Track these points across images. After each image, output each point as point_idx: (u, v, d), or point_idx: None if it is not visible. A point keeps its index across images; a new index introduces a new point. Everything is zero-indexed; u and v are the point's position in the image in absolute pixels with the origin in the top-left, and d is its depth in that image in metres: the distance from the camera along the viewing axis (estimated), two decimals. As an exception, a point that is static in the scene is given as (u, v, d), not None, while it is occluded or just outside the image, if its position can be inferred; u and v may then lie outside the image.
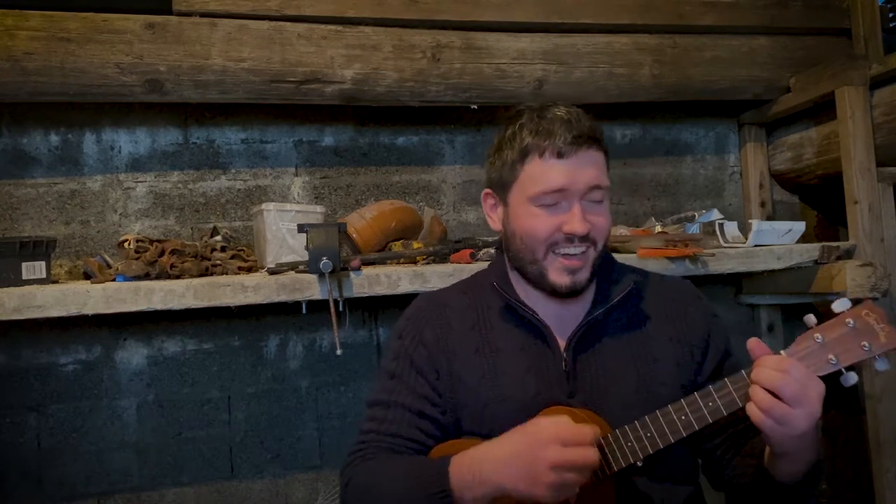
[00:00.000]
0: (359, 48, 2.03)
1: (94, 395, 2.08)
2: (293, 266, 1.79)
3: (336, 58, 2.00)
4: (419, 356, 1.21)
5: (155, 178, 2.17)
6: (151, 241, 1.82)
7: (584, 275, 1.14)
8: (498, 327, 1.21)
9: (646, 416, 1.04)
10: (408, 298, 1.49)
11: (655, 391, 1.14)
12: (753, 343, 0.99)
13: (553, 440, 0.96)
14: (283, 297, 1.72)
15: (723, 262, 1.98)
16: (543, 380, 1.15)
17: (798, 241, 2.17)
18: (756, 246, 2.07)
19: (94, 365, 2.09)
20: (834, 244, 2.08)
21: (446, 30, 2.10)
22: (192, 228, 2.19)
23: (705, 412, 1.01)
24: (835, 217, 2.55)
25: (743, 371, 1.00)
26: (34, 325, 2.01)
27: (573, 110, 1.15)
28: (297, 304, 1.76)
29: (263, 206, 1.94)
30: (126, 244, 1.82)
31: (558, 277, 1.13)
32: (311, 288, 1.73)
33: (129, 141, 2.15)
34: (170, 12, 1.91)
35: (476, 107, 2.22)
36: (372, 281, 1.77)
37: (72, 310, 1.60)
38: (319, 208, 2.04)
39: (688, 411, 1.02)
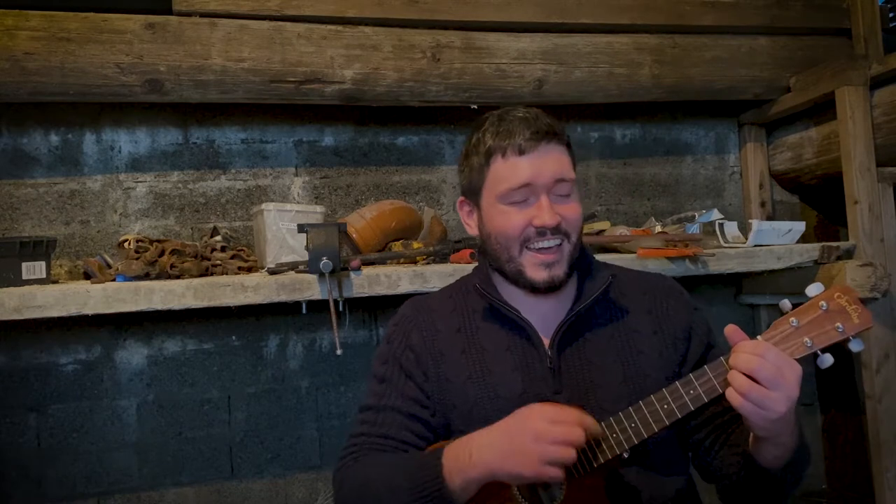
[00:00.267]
0: (359, 48, 2.03)
1: (94, 395, 2.08)
2: (293, 266, 1.79)
3: (336, 58, 2.01)
4: (407, 360, 1.24)
5: (155, 178, 2.17)
6: (151, 241, 1.82)
7: (560, 269, 1.16)
8: (483, 328, 1.23)
9: (630, 408, 1.05)
10: (407, 298, 1.50)
11: (641, 383, 1.15)
12: (731, 329, 1.01)
13: (538, 417, 0.99)
14: (283, 297, 1.72)
15: (723, 262, 1.98)
16: (529, 377, 1.16)
17: (798, 241, 2.17)
18: (756, 246, 2.07)
19: (94, 365, 2.09)
20: (834, 244, 2.08)
21: (446, 30, 2.10)
22: (192, 228, 2.19)
23: (687, 400, 1.03)
24: (835, 217, 2.55)
25: (721, 358, 1.02)
26: (34, 325, 2.01)
27: (532, 110, 1.20)
28: (297, 304, 1.76)
29: (263, 206, 1.94)
30: (126, 244, 1.82)
31: (535, 273, 1.16)
32: (311, 288, 1.73)
33: (129, 141, 2.15)
34: (170, 12, 1.91)
35: (476, 107, 2.22)
36: (372, 281, 1.77)
37: (72, 310, 1.60)
38: (319, 208, 2.04)
39: (670, 400, 1.03)
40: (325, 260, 1.66)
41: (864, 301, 2.01)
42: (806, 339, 0.99)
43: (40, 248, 1.75)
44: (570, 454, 0.97)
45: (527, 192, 1.15)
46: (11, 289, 1.64)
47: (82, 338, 2.08)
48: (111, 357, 2.10)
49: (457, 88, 2.12)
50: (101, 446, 2.07)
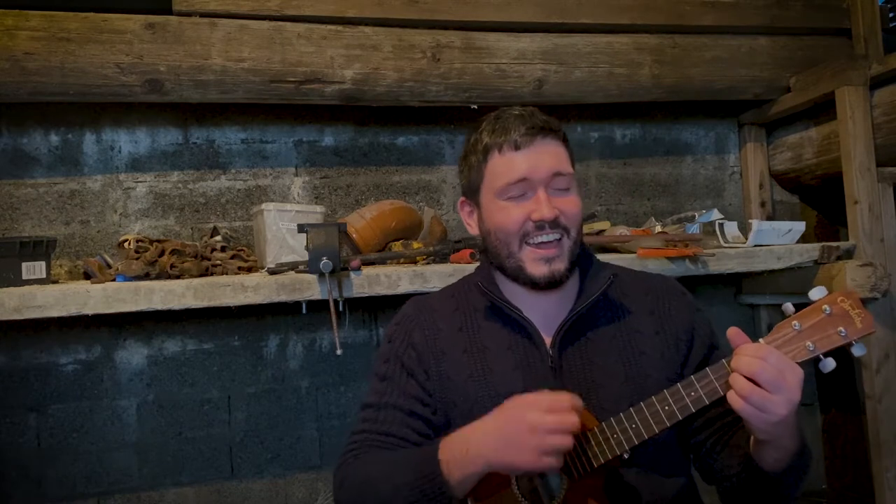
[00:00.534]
0: (359, 48, 2.03)
1: (94, 395, 2.08)
2: (293, 266, 1.79)
3: (336, 58, 2.01)
4: (409, 358, 1.24)
5: (155, 178, 2.17)
6: (151, 241, 1.82)
7: (560, 264, 1.16)
8: (485, 327, 1.23)
9: (630, 409, 1.05)
10: (407, 298, 1.50)
11: (643, 384, 1.15)
12: (733, 332, 1.01)
13: (533, 407, 0.99)
14: (283, 297, 1.72)
15: (723, 262, 1.98)
16: (531, 377, 1.16)
17: (798, 241, 2.17)
18: (756, 246, 2.07)
19: (94, 365, 2.09)
20: (834, 244, 2.08)
21: (446, 30, 2.10)
22: (192, 228, 2.19)
23: (688, 401, 1.03)
24: (835, 217, 2.55)
25: (723, 360, 1.02)
26: (34, 325, 2.01)
27: (528, 108, 1.21)
28: (297, 304, 1.76)
29: (263, 206, 1.94)
30: (126, 244, 1.82)
31: (535, 268, 1.16)
32: (311, 288, 1.73)
33: (129, 141, 2.15)
34: (170, 12, 1.91)
35: (476, 107, 2.22)
36: (372, 281, 1.77)
37: (72, 310, 1.60)
38: (319, 208, 2.04)
39: (671, 401, 1.03)
40: (325, 260, 1.66)
41: (864, 301, 2.02)
42: (808, 342, 0.99)
43: (40, 248, 1.75)
44: (567, 441, 0.98)
45: (524, 187, 1.15)
46: (11, 289, 1.64)
47: (82, 338, 2.08)
48: (111, 357, 2.10)
49: (457, 88, 2.12)
50: (101, 446, 2.07)
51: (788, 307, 1.02)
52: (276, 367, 2.21)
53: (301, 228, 1.72)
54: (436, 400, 1.21)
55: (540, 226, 1.14)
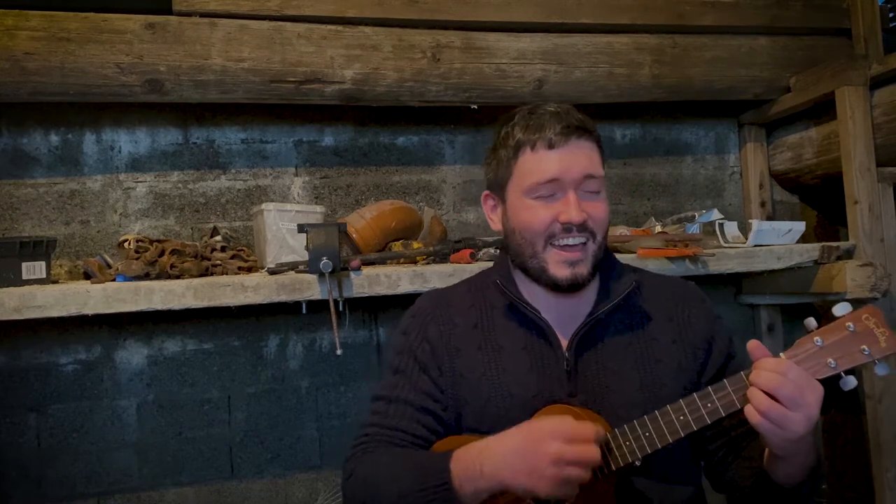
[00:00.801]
0: (359, 48, 2.03)
1: (94, 395, 2.08)
2: (293, 266, 1.79)
3: (336, 58, 2.01)
4: (423, 353, 1.22)
5: (155, 178, 2.17)
6: (151, 241, 1.82)
7: (584, 268, 1.14)
8: (501, 326, 1.21)
9: (645, 416, 1.04)
10: (408, 298, 1.49)
11: (657, 392, 1.14)
12: (753, 345, 1.00)
13: (555, 436, 0.97)
14: (283, 297, 1.72)
15: (723, 262, 1.98)
16: (545, 379, 1.15)
17: (798, 241, 2.17)
18: (756, 246, 2.07)
19: (94, 365, 2.09)
20: (834, 244, 2.08)
21: (446, 30, 2.10)
22: (192, 228, 2.19)
23: (703, 413, 1.01)
24: (835, 217, 2.55)
25: (742, 373, 1.00)
26: (34, 325, 2.01)
27: (564, 106, 1.18)
28: (297, 304, 1.76)
29: (263, 206, 1.94)
30: (126, 244, 1.82)
31: (558, 270, 1.14)
32: (311, 288, 1.73)
33: (129, 141, 2.15)
34: (170, 12, 1.91)
35: (476, 107, 2.22)
36: (372, 281, 1.77)
37: (72, 310, 1.60)
38: (319, 208, 2.04)
39: (686, 412, 1.02)
40: (325, 260, 1.66)
41: (863, 301, 2.02)
42: (830, 359, 0.97)
43: (40, 248, 1.75)
44: (586, 475, 0.97)
45: (554, 187, 1.13)
46: (11, 289, 1.64)
47: (82, 338, 2.08)
48: (111, 357, 2.10)
49: (457, 88, 2.12)
50: (101, 446, 2.07)
51: (811, 322, 1.00)
52: (276, 367, 2.21)
53: (301, 228, 1.72)
54: (447, 397, 1.19)
55: (567, 228, 1.12)
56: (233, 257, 1.91)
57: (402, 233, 2.09)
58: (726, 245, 2.12)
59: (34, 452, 2.03)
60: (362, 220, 2.02)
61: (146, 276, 1.74)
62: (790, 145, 2.51)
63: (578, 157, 1.13)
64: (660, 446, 1.03)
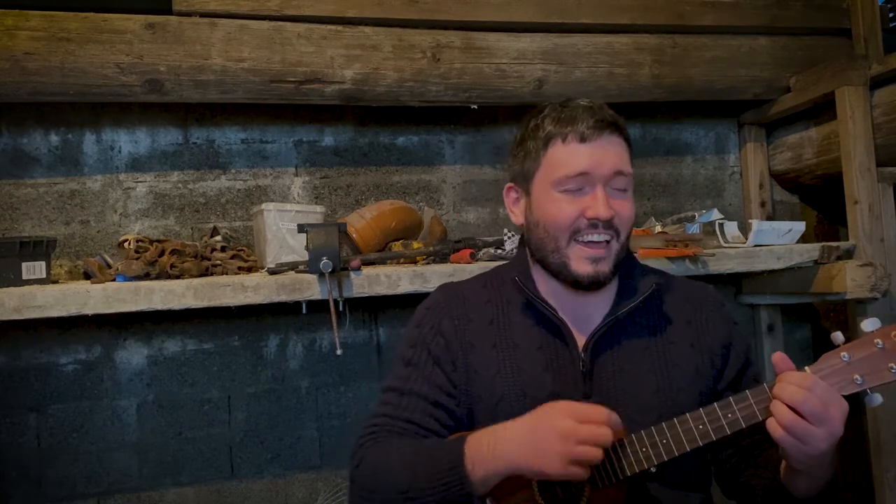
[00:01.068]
0: (359, 48, 2.03)
1: (94, 395, 2.08)
2: (293, 266, 1.79)
3: (336, 58, 2.00)
4: (437, 346, 1.20)
5: (155, 178, 2.17)
6: (151, 241, 1.82)
7: (606, 266, 1.13)
8: (517, 323, 1.20)
9: (663, 423, 1.03)
10: (408, 298, 1.50)
11: (673, 397, 1.13)
12: (779, 357, 0.98)
13: (566, 414, 0.97)
14: (283, 297, 1.72)
15: (723, 262, 1.98)
16: (560, 379, 1.14)
17: (798, 241, 2.17)
18: (756, 246, 2.07)
19: (94, 365, 2.09)
20: (834, 244, 2.08)
21: (446, 30, 2.10)
22: (192, 228, 2.19)
23: (724, 423, 1.00)
24: (835, 217, 2.55)
25: (765, 384, 0.99)
26: (34, 325, 2.01)
27: (596, 101, 1.17)
28: (297, 304, 1.76)
29: (263, 206, 1.94)
30: (126, 244, 1.82)
31: (580, 266, 1.12)
32: (311, 288, 1.73)
33: (129, 141, 2.15)
34: (170, 12, 1.91)
35: (476, 107, 2.22)
36: (372, 281, 1.77)
37: (72, 310, 1.60)
38: (319, 208, 2.04)
39: (706, 421, 1.01)
40: (325, 260, 1.66)
41: (863, 301, 2.02)
42: (857, 375, 0.96)
43: (40, 248, 1.75)
44: (597, 454, 0.95)
45: (582, 181, 1.11)
46: (11, 289, 1.64)
47: (82, 338, 2.08)
48: (111, 357, 2.10)
49: (457, 88, 2.12)
50: (101, 446, 2.07)
51: (838, 336, 0.99)
52: (276, 367, 2.21)
53: (301, 228, 1.72)
54: (460, 392, 1.18)
55: (594, 224, 1.11)
56: (233, 257, 1.91)
57: (402, 233, 2.09)
58: (726, 245, 2.12)
59: (34, 452, 2.03)
60: (362, 220, 2.02)
61: (146, 276, 1.74)
62: (790, 145, 2.51)
63: (609, 153, 1.12)
64: (677, 454, 1.01)
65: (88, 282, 1.76)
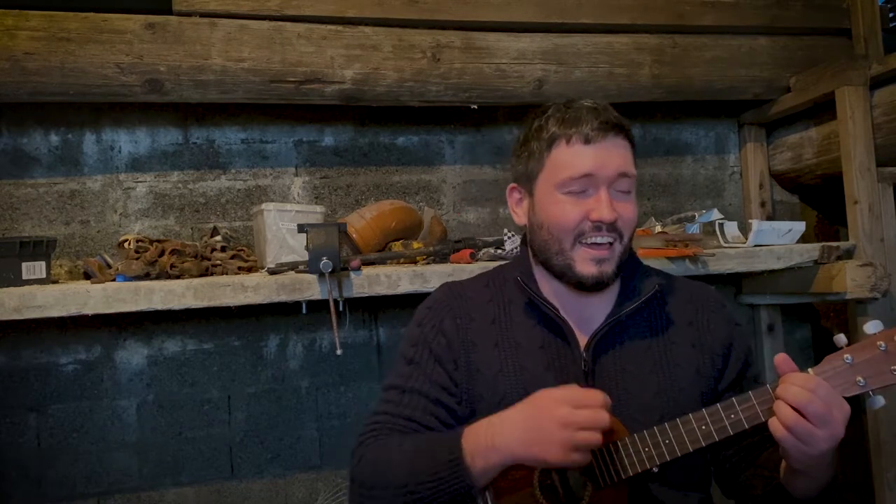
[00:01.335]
0: (359, 48, 2.03)
1: (94, 395, 2.08)
2: (293, 266, 1.79)
3: (336, 58, 2.00)
4: (438, 345, 1.20)
5: (155, 178, 2.17)
6: (151, 241, 1.82)
7: (610, 267, 1.13)
8: (519, 323, 1.20)
9: (665, 424, 1.03)
10: (408, 298, 1.50)
11: (675, 397, 1.13)
12: (781, 359, 0.99)
13: (563, 401, 0.97)
14: (283, 297, 1.72)
15: (723, 262, 1.98)
16: (562, 378, 1.13)
17: (798, 241, 2.17)
18: (756, 246, 2.07)
19: (94, 365, 2.09)
20: (834, 244, 2.08)
21: (446, 30, 2.10)
22: (192, 228, 2.19)
23: (727, 424, 1.00)
24: (835, 217, 2.55)
25: (768, 385, 1.00)
26: (34, 325, 2.01)
27: (600, 102, 1.17)
28: (297, 304, 1.76)
29: (263, 206, 1.94)
30: (126, 244, 1.82)
31: (585, 268, 1.12)
32: (311, 288, 1.73)
33: (129, 141, 2.15)
34: (170, 12, 1.91)
35: (476, 107, 2.22)
36: (372, 281, 1.77)
37: (72, 310, 1.60)
38: (319, 208, 2.04)
39: (709, 421, 1.01)
40: (325, 260, 1.66)
41: (863, 301, 2.03)
42: (859, 378, 0.96)
43: (40, 248, 1.75)
44: (597, 438, 0.96)
45: (586, 183, 1.11)
46: (11, 289, 1.63)
47: (82, 338, 2.08)
48: (111, 357, 2.10)
49: (457, 88, 2.12)
50: (101, 446, 2.07)
51: (841, 338, 0.99)
52: (276, 367, 2.21)
53: (301, 228, 1.72)
54: (462, 391, 1.18)
55: (597, 227, 1.11)
56: (233, 257, 1.91)
57: (402, 233, 2.09)
58: (726, 245, 2.12)
59: (34, 452, 2.03)
60: (362, 220, 2.02)
61: (146, 276, 1.74)
62: (790, 145, 2.51)
63: (613, 155, 1.12)
64: (679, 454, 1.02)
65: (88, 282, 1.76)
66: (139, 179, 2.16)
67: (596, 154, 1.11)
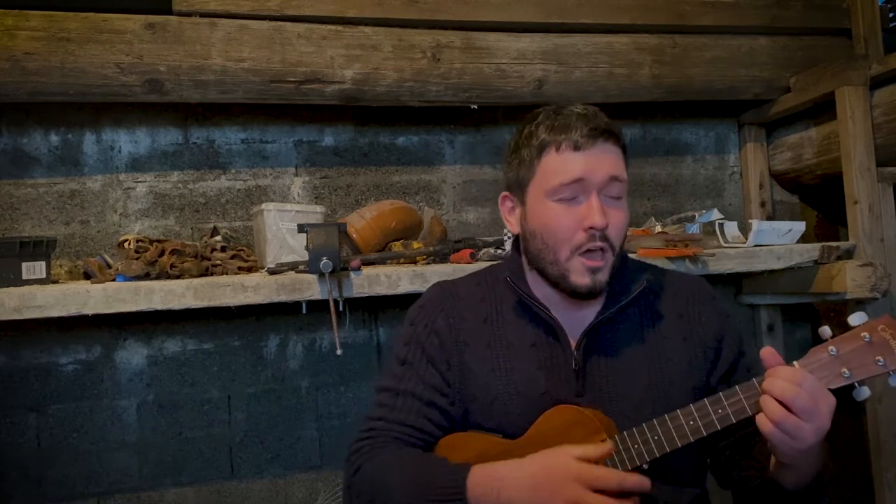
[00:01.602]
0: (359, 48, 2.03)
1: (94, 395, 2.08)
2: (293, 266, 1.79)
3: (336, 58, 2.00)
4: (431, 345, 1.21)
5: (155, 178, 2.17)
6: (151, 241, 1.82)
7: (604, 276, 1.13)
8: (510, 322, 1.20)
9: (654, 420, 1.03)
10: (408, 298, 1.49)
11: (666, 391, 1.13)
12: (767, 352, 0.99)
13: (578, 479, 0.97)
14: (283, 297, 1.72)
15: (723, 262, 1.98)
16: (553, 377, 1.14)
17: (798, 241, 2.17)
18: (756, 246, 2.07)
19: (94, 365, 2.09)
20: (834, 244, 2.08)
21: (446, 30, 2.10)
22: (192, 228, 2.19)
23: (714, 418, 1.01)
24: (835, 217, 2.55)
25: (754, 380, 1.00)
26: (34, 325, 2.01)
27: (590, 107, 1.16)
28: (297, 304, 1.76)
29: (263, 206, 1.94)
30: (126, 244, 1.82)
31: (579, 279, 1.12)
32: (311, 288, 1.73)
33: (129, 141, 2.15)
34: (170, 12, 1.91)
35: (476, 107, 2.22)
36: (372, 281, 1.77)
37: (72, 310, 1.60)
38: (319, 208, 2.04)
39: (696, 416, 1.01)
40: (325, 260, 1.66)
41: (863, 301, 2.02)
42: (844, 369, 0.97)
43: (40, 248, 1.75)
44: None
45: (577, 189, 1.10)
46: (11, 289, 1.64)
47: (82, 338, 2.08)
48: (111, 357, 2.10)
49: (457, 88, 2.12)
50: (101, 446, 2.07)
51: (826, 331, 1.00)
52: (276, 367, 2.21)
53: (301, 228, 1.72)
54: (455, 391, 1.18)
55: (591, 235, 1.10)
56: (233, 257, 1.91)
57: (402, 233, 2.09)
58: (726, 245, 2.12)
59: (34, 452, 2.03)
60: (362, 220, 2.02)
61: (146, 276, 1.74)
62: (790, 145, 2.51)
63: (603, 160, 1.11)
64: (668, 450, 1.02)
65: (88, 282, 1.76)
66: (139, 179, 2.16)
67: (586, 160, 1.10)
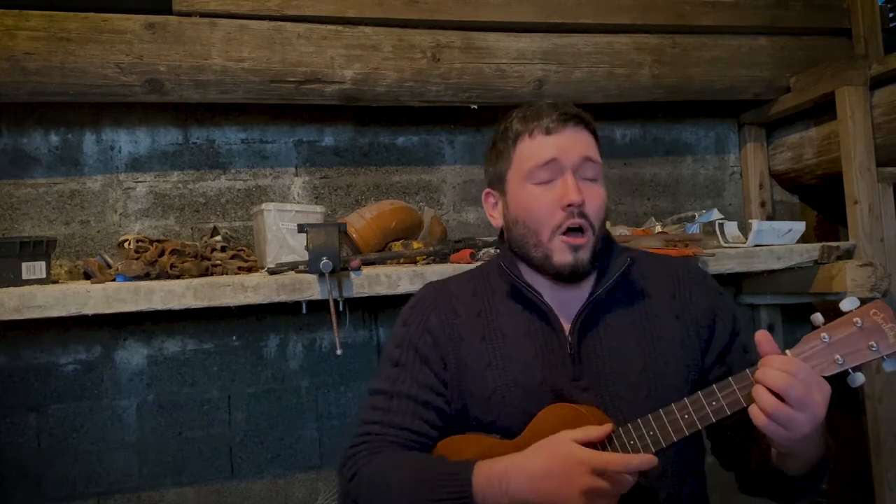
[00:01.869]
0: (359, 48, 2.03)
1: (94, 395, 2.08)
2: (293, 266, 1.79)
3: (336, 58, 2.01)
4: (424, 344, 1.21)
5: (155, 178, 2.17)
6: (151, 241, 1.82)
7: (585, 254, 1.14)
8: (503, 312, 1.20)
9: (649, 415, 1.03)
10: (407, 298, 1.49)
11: (660, 370, 1.13)
12: (762, 336, 0.98)
13: (586, 469, 0.96)
14: (283, 297, 1.72)
15: (723, 262, 1.98)
16: (549, 365, 1.14)
17: (798, 241, 2.17)
18: (756, 246, 2.07)
19: (94, 365, 2.09)
20: (834, 244, 2.08)
21: (446, 30, 2.10)
22: (192, 228, 2.19)
23: (709, 411, 1.01)
24: (835, 217, 2.55)
25: (748, 370, 1.00)
26: (34, 325, 2.01)
27: (562, 101, 1.22)
28: (297, 304, 1.76)
29: (263, 206, 1.94)
30: (126, 244, 1.82)
31: (562, 256, 1.14)
32: (311, 288, 1.73)
33: (129, 141, 2.15)
34: (170, 12, 1.91)
35: (476, 107, 2.22)
36: (372, 281, 1.77)
37: (72, 310, 1.60)
38: (319, 208, 2.04)
39: (691, 410, 1.01)
40: (325, 260, 1.66)
41: (863, 301, 2.02)
42: (837, 356, 0.96)
43: (40, 248, 1.75)
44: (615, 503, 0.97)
45: (553, 170, 1.14)
46: (11, 289, 1.63)
47: (82, 338, 2.08)
48: (111, 357, 2.10)
49: (457, 88, 2.12)
50: (101, 446, 2.07)
51: (818, 318, 0.99)
52: (276, 367, 2.21)
53: (301, 228, 1.72)
54: (451, 389, 1.18)
55: (570, 212, 1.12)
56: (233, 257, 1.91)
57: (402, 233, 2.09)
58: (726, 245, 2.12)
59: (34, 452, 2.03)
60: (362, 220, 2.02)
61: (146, 276, 1.74)
62: (790, 145, 2.51)
63: (575, 141, 1.15)
64: (665, 445, 1.02)
65: (88, 282, 1.76)
66: (139, 179, 2.16)
67: (558, 142, 1.15)
